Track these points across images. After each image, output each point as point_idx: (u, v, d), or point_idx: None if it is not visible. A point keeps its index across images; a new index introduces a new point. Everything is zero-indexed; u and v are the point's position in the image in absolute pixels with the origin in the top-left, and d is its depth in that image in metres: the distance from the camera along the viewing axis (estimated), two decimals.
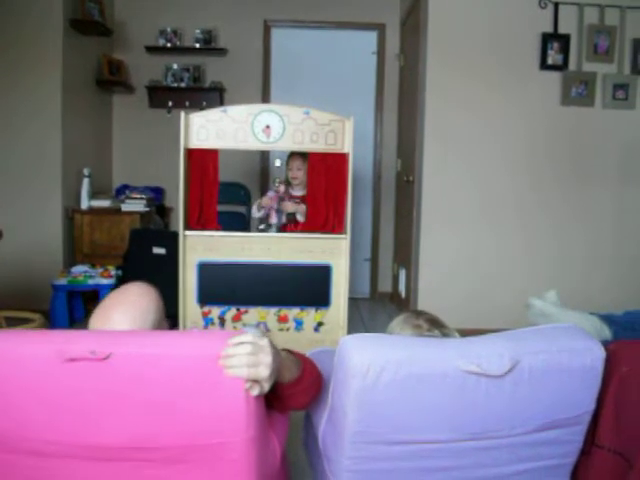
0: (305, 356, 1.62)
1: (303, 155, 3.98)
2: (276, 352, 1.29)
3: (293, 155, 4.06)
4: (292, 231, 3.84)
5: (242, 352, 1.20)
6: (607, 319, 2.94)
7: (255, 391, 1.23)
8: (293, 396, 1.48)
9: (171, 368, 1.22)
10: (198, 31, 5.66)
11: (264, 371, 1.22)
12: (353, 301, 3.91)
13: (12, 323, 3.27)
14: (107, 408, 1.25)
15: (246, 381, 1.21)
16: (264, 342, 1.24)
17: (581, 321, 2.95)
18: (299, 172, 4.00)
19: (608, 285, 4.62)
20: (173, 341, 1.27)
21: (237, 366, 1.19)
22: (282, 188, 3.94)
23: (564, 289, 3.27)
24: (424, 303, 4.54)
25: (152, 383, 1.23)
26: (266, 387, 1.25)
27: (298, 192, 4.03)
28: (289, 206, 3.92)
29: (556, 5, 4.47)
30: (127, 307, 1.47)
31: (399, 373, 1.31)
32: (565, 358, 1.41)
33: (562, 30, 4.49)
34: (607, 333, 2.83)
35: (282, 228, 3.92)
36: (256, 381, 1.23)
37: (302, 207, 3.86)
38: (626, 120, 4.59)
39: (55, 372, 1.22)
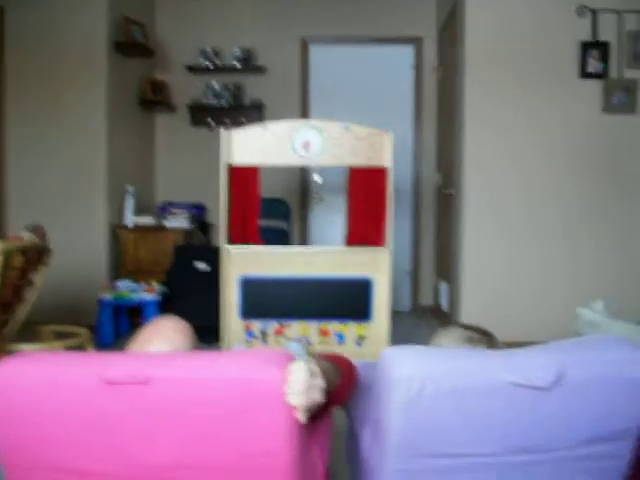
0: (339, 356, 1.63)
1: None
2: (323, 370, 1.31)
3: None
4: None
5: (299, 379, 1.21)
6: None
7: (304, 417, 1.24)
8: (333, 399, 1.49)
9: (212, 390, 1.23)
10: (237, 50, 5.74)
11: (317, 395, 1.24)
12: (394, 315, 3.89)
13: (59, 337, 3.34)
14: (150, 430, 1.27)
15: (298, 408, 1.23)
16: (315, 367, 1.26)
17: (629, 332, 2.90)
18: None
19: None
20: (213, 364, 1.28)
21: (295, 393, 1.21)
22: None
23: (610, 298, 3.21)
24: (466, 316, 4.51)
25: (193, 405, 1.24)
26: (318, 404, 1.26)
27: None
28: None
29: (594, 13, 4.43)
30: (163, 343, 1.52)
31: (443, 385, 1.31)
32: (612, 370, 1.38)
33: (602, 37, 4.44)
34: None
35: None
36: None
37: None
38: None
39: (97, 395, 1.24)
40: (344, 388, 1.57)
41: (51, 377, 1.27)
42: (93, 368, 1.25)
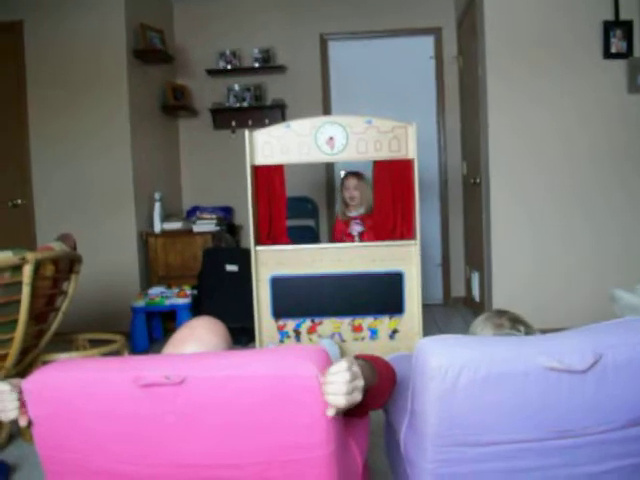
0: (376, 357, 1.62)
1: (358, 174, 4.00)
2: (362, 371, 1.31)
3: (347, 176, 4.08)
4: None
5: (341, 380, 1.21)
6: None
7: (332, 412, 1.24)
8: (371, 400, 1.49)
9: (247, 388, 1.24)
10: (256, 51, 5.76)
11: (359, 396, 1.25)
12: (426, 307, 3.87)
13: (95, 345, 3.38)
14: (187, 430, 1.27)
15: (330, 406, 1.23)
16: (356, 367, 1.26)
17: None
18: (356, 191, 4.00)
19: None
20: (246, 361, 1.28)
21: (338, 394, 1.21)
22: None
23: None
24: (499, 305, 4.46)
25: (228, 403, 1.25)
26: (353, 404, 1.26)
27: (356, 212, 4.03)
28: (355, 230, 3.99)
29: None
30: (198, 344, 1.52)
31: (478, 373, 1.30)
32: None
33: (624, 16, 4.37)
34: None
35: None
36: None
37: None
38: None
39: (133, 397, 1.25)
40: (382, 390, 1.56)
41: (87, 382, 1.29)
42: (128, 371, 1.26)
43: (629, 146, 4.45)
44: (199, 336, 1.54)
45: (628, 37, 4.36)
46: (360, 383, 1.25)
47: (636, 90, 4.39)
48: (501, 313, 1.75)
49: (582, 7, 4.41)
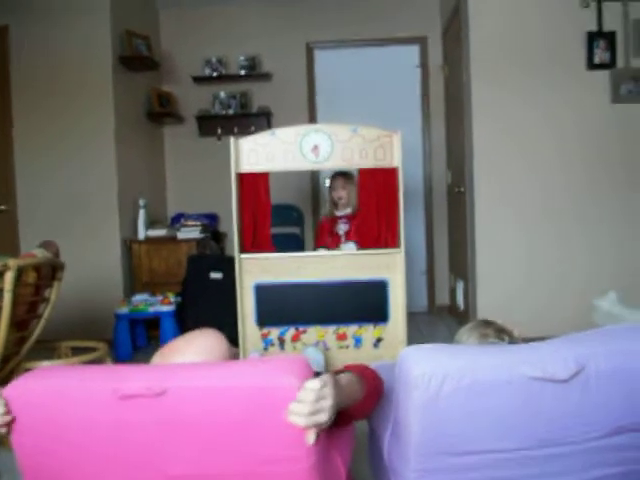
0: (364, 367, 1.61)
1: (345, 175, 4.01)
2: (339, 388, 1.28)
3: (335, 175, 4.10)
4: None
5: (305, 400, 1.18)
6: None
7: (312, 438, 1.21)
8: (357, 412, 1.48)
9: (229, 399, 1.22)
10: (242, 58, 5.76)
11: (323, 417, 1.21)
12: (411, 315, 3.87)
13: (77, 353, 3.35)
14: (168, 441, 1.26)
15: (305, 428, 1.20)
16: (327, 387, 1.23)
17: None
18: (343, 191, 4.02)
19: None
20: (228, 373, 1.27)
21: (298, 413, 1.18)
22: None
23: (629, 289, 3.18)
24: (483, 314, 4.47)
25: (209, 415, 1.24)
26: (325, 425, 1.23)
27: (343, 212, 4.05)
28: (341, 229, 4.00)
29: (599, 3, 4.39)
30: (191, 356, 1.45)
31: (461, 382, 1.30)
32: (631, 359, 1.37)
33: (608, 27, 4.41)
34: None
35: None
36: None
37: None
38: None
39: (114, 407, 1.24)
40: (368, 402, 1.55)
41: (68, 391, 1.27)
42: (109, 381, 1.25)
43: (617, 152, 4.49)
44: (194, 347, 1.48)
45: (611, 48, 4.41)
46: (327, 404, 1.21)
47: (619, 100, 4.43)
48: (487, 323, 1.75)
49: (567, 17, 4.45)
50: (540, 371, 1.30)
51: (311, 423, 1.19)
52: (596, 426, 1.39)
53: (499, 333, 1.70)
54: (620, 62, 4.44)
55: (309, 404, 1.18)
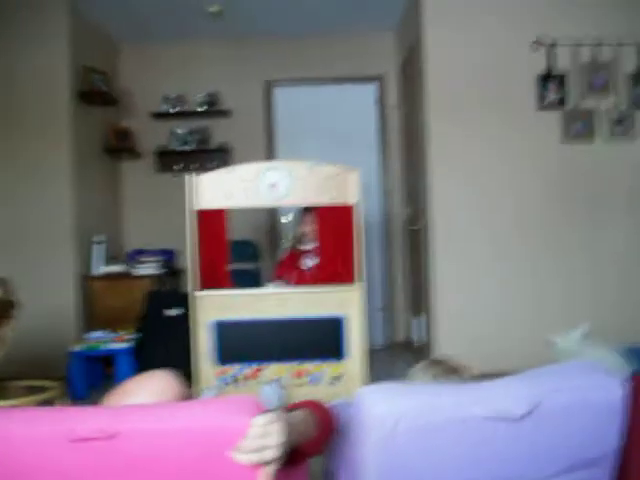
0: (316, 403, 1.60)
1: (314, 210, 4.06)
2: (291, 425, 1.26)
3: (306, 210, 4.13)
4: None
5: (249, 436, 1.16)
6: (635, 352, 2.90)
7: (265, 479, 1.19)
8: (310, 449, 1.46)
9: (180, 441, 1.20)
10: (202, 94, 5.78)
11: (269, 454, 1.17)
12: (368, 352, 3.87)
13: (31, 392, 3.26)
14: None
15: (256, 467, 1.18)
16: (275, 424, 1.19)
17: (604, 357, 2.91)
18: (313, 226, 4.05)
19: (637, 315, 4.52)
20: (177, 414, 1.25)
21: (241, 451, 1.16)
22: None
23: (592, 322, 3.20)
24: (443, 349, 4.50)
25: (160, 457, 1.21)
26: (275, 465, 1.20)
27: (309, 245, 4.08)
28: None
29: (550, 46, 4.54)
30: (144, 397, 1.42)
31: (416, 422, 1.30)
32: (584, 396, 1.39)
33: (558, 67, 4.56)
34: (629, 368, 2.78)
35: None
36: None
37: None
38: (629, 153, 4.60)
39: (65, 451, 1.20)
40: (320, 439, 1.53)
41: (17, 434, 1.24)
42: (60, 424, 1.22)
43: (567, 191, 4.61)
44: (146, 393, 1.42)
45: (561, 89, 4.55)
46: (274, 441, 1.17)
47: (569, 140, 4.56)
48: (437, 362, 1.77)
49: (519, 59, 4.59)
50: (493, 411, 1.31)
51: (255, 460, 1.16)
52: (550, 464, 1.41)
53: (447, 373, 1.71)
54: (570, 103, 4.58)
55: (252, 440, 1.16)
